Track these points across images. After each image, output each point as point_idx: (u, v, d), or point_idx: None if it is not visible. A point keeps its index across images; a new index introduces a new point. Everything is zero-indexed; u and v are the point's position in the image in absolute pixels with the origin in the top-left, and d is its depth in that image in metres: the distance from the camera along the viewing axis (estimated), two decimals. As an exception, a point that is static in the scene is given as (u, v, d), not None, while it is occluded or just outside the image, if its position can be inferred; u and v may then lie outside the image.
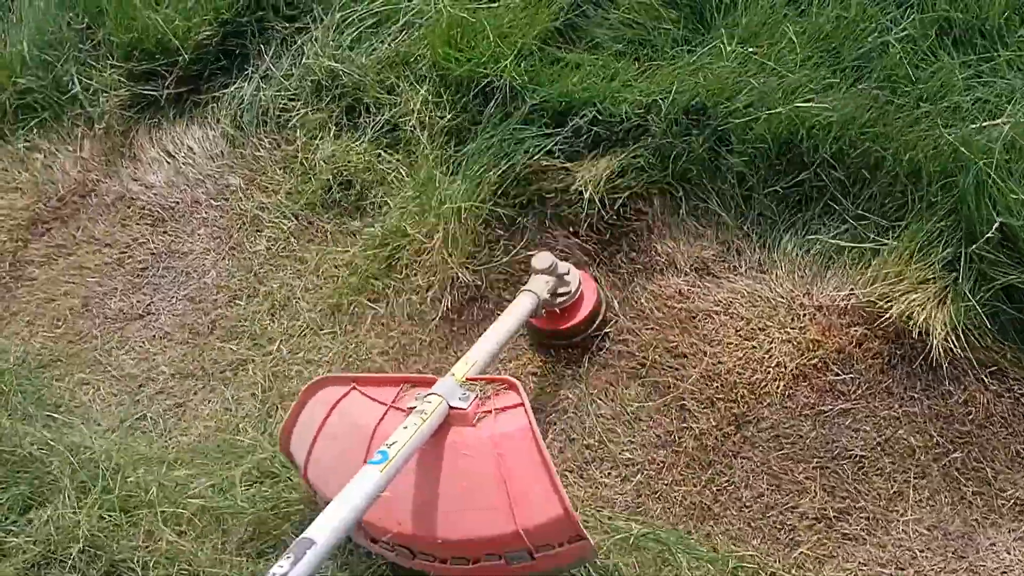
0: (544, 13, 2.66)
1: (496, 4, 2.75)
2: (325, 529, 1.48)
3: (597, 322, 2.39)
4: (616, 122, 2.49)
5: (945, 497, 2.06)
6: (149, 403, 2.57)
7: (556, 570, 1.91)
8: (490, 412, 1.86)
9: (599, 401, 2.33)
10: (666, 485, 2.18)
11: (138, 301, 2.80)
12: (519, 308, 2.16)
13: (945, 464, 2.09)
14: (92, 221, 3.00)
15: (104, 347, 2.72)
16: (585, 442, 2.28)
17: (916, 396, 2.16)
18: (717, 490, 2.16)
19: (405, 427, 1.73)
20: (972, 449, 2.08)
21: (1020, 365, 2.11)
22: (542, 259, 2.22)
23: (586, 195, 2.46)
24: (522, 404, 1.84)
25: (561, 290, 2.28)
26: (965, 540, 2.02)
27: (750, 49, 2.47)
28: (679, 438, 2.23)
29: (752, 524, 2.10)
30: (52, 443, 2.24)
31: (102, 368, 2.68)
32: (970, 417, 2.10)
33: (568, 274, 2.30)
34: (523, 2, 2.75)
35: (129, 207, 3.00)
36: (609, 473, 2.23)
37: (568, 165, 2.53)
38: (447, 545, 1.85)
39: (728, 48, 2.48)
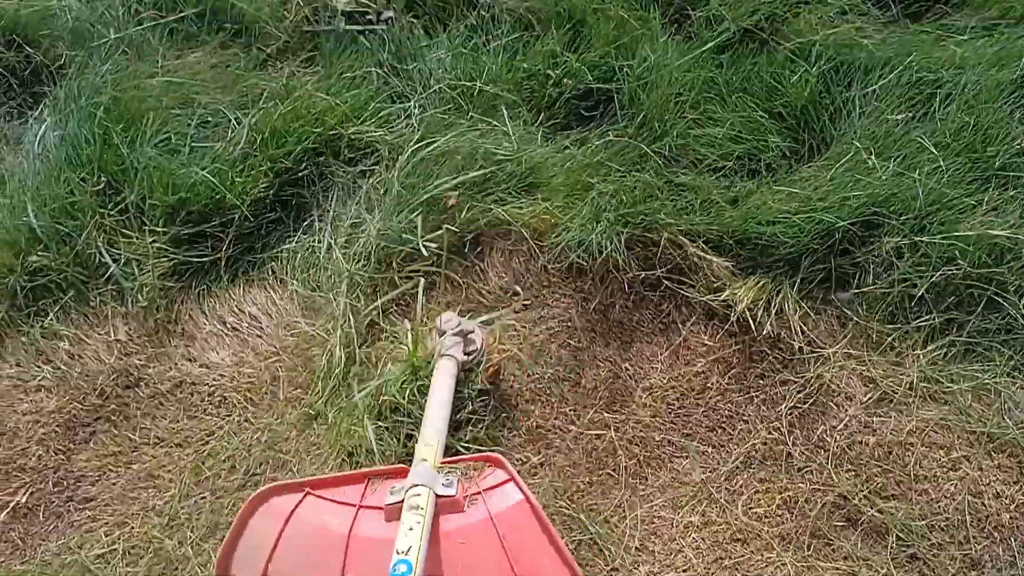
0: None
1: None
2: None
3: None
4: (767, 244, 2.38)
5: None
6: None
7: None
8: (479, 493, 1.77)
9: (818, 563, 2.15)
10: (924, 650, 2.02)
11: (237, 510, 2.37)
12: (446, 373, 2.09)
13: None
14: (149, 417, 2.53)
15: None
16: (820, 612, 2.09)
17: None
18: (980, 647, 2.02)
19: (411, 528, 1.61)
20: None
21: None
22: (449, 320, 2.18)
23: (737, 309, 2.37)
24: (511, 479, 1.77)
25: (469, 348, 2.24)
26: None
27: (889, 162, 2.40)
28: (921, 593, 2.08)
29: None
30: None
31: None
32: None
33: (473, 332, 2.25)
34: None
35: (192, 395, 2.56)
36: (858, 645, 2.05)
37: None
38: None
39: (870, 161, 2.40)
